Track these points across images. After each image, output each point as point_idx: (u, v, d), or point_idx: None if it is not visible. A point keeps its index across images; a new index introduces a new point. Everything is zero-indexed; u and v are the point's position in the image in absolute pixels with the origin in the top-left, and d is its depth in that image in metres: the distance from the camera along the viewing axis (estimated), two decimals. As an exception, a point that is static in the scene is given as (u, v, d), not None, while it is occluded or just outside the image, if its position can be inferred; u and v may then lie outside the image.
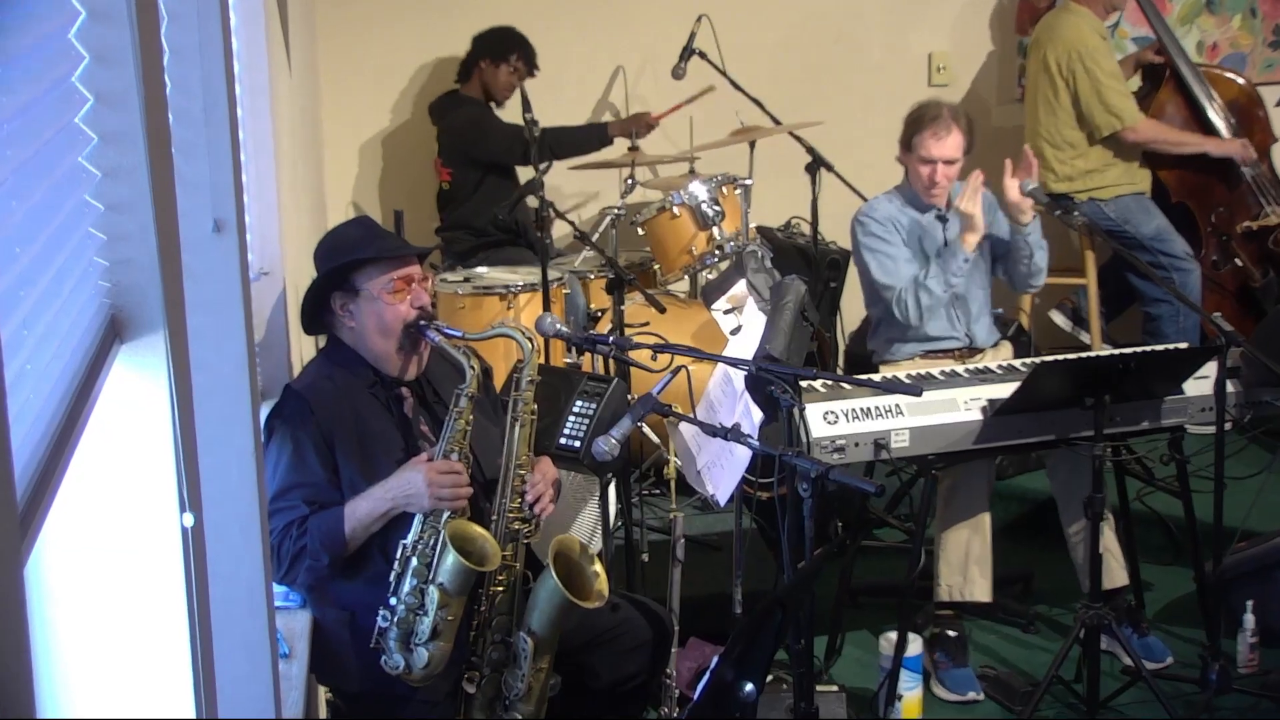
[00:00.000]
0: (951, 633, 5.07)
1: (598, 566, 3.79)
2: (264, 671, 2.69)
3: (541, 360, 4.77)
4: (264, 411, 3.78)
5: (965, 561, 5.04)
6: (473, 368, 3.84)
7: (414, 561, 3.66)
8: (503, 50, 7.54)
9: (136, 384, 2.01)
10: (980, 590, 5.05)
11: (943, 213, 5.69)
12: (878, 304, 5.78)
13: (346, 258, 3.89)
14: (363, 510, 3.73)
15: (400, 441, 3.90)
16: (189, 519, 2.06)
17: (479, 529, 3.74)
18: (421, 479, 3.70)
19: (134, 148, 1.92)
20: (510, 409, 3.90)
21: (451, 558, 3.60)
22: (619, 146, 7.48)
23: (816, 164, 6.71)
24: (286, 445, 3.79)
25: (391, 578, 3.68)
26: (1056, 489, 5.17)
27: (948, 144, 5.57)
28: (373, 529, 3.75)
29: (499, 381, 4.30)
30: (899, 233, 5.66)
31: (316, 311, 3.98)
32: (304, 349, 5.09)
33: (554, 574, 3.64)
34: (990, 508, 5.09)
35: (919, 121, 5.62)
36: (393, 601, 3.66)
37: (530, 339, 3.94)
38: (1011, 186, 5.47)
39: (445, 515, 3.70)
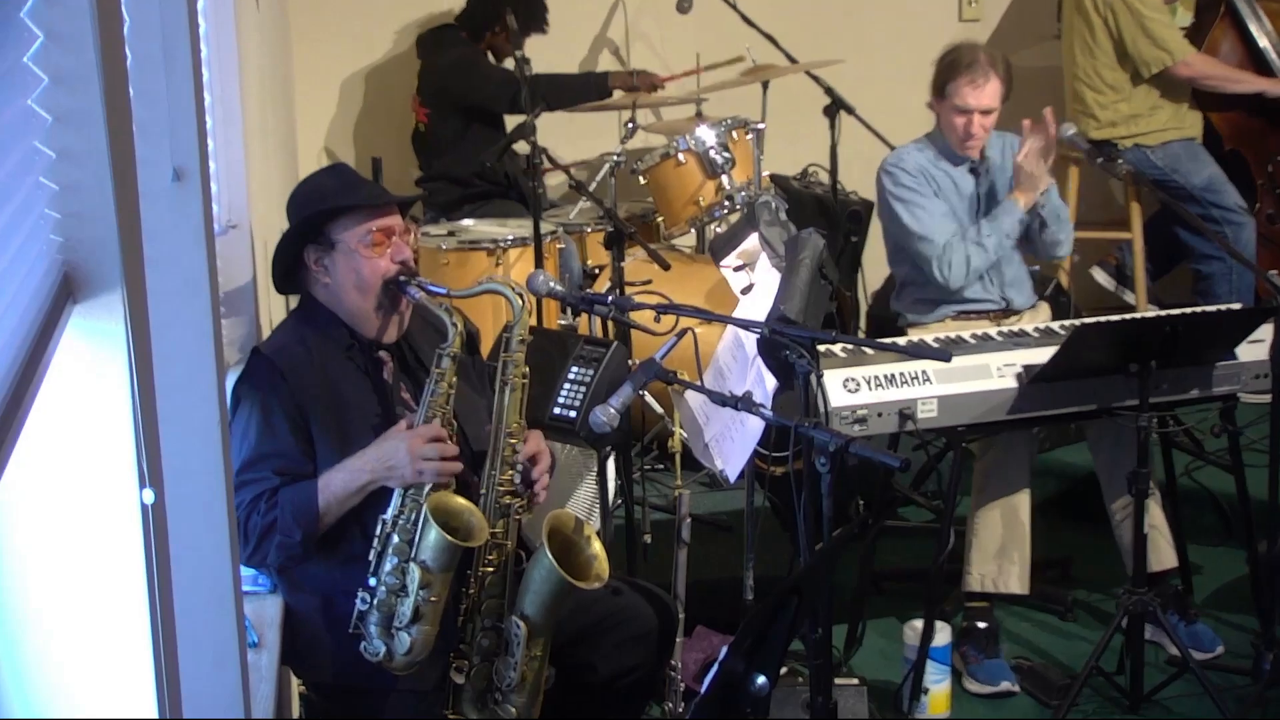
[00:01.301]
0: (982, 624, 5.07)
1: (596, 545, 3.78)
2: (231, 663, 2.70)
3: (534, 322, 4.76)
4: (231, 379, 3.79)
5: (999, 548, 5.04)
6: (455, 325, 3.82)
7: (395, 538, 3.65)
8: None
9: (91, 348, 2.01)
10: (1015, 580, 5.05)
11: (976, 164, 5.68)
12: (903, 261, 5.77)
13: (320, 207, 3.89)
14: (338, 483, 3.72)
15: (379, 409, 3.89)
16: (149, 496, 2.07)
17: (464, 501, 3.73)
18: (404, 448, 3.68)
19: (87, 90, 1.91)
20: (499, 371, 3.88)
21: (434, 533, 3.59)
22: (618, 87, 7.48)
23: (836, 106, 6.70)
24: (255, 413, 3.78)
25: (371, 556, 3.67)
26: (1099, 464, 5.17)
27: (985, 92, 5.56)
28: (349, 504, 3.73)
29: (487, 348, 4.29)
30: (931, 185, 5.65)
31: (289, 268, 3.97)
32: (274, 310, 5.09)
33: (548, 552, 3.63)
34: (1030, 485, 5.09)
35: (954, 68, 5.60)
36: (372, 582, 3.65)
37: (521, 295, 3.93)
38: (1022, 149, 5.46)
39: (427, 488, 3.70)
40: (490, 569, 3.79)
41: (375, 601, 3.64)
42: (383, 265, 3.87)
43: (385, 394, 3.93)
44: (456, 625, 3.76)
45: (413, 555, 3.63)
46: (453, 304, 3.91)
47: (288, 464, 3.76)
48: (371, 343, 3.94)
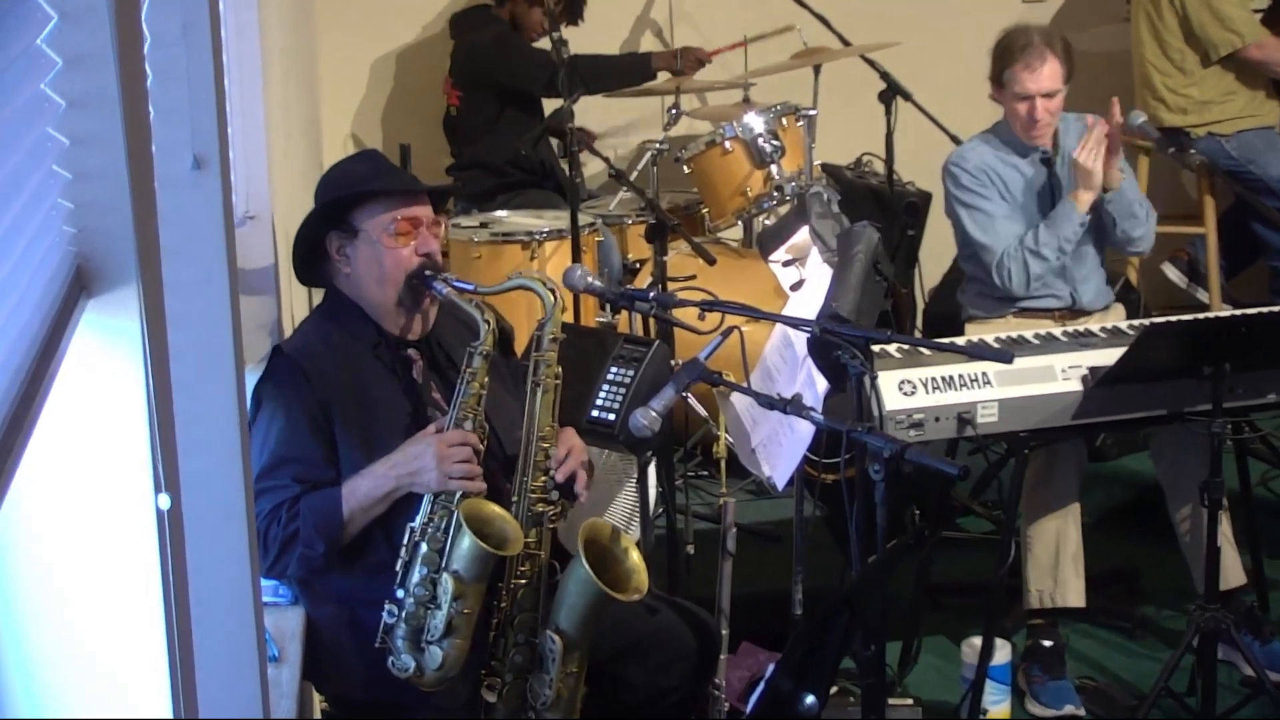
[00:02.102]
0: (1046, 643, 5.05)
1: (635, 556, 3.77)
2: (251, 676, 2.70)
3: (570, 319, 4.75)
4: (251, 378, 3.80)
5: (1055, 561, 5.02)
6: (487, 322, 3.83)
7: (424, 548, 3.66)
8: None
9: (105, 345, 2.01)
10: (1074, 593, 5.03)
11: (1048, 153, 5.65)
12: (972, 257, 5.75)
13: (346, 191, 3.90)
14: (363, 490, 3.72)
15: (408, 410, 3.89)
16: (165, 501, 2.07)
17: (497, 508, 3.73)
18: (431, 453, 3.68)
19: (103, 73, 1.92)
20: (531, 372, 3.88)
21: (467, 541, 3.60)
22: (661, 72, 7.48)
23: (892, 91, 6.69)
24: (277, 416, 3.78)
25: (398, 567, 3.68)
26: (1161, 472, 5.16)
27: (1043, 75, 5.53)
28: (374, 512, 3.73)
29: (520, 346, 4.29)
30: (995, 185, 5.63)
31: (310, 256, 3.98)
32: (295, 305, 5.10)
33: (584, 562, 3.63)
34: (1080, 495, 5.08)
35: (1007, 53, 5.58)
36: (400, 594, 3.66)
37: (553, 290, 3.93)
38: (1081, 149, 5.43)
39: (458, 495, 3.70)
40: (523, 581, 3.79)
41: (403, 614, 3.64)
42: (405, 257, 3.87)
43: (414, 394, 3.92)
44: (488, 640, 3.76)
45: (444, 565, 3.63)
46: (484, 300, 3.91)
47: (309, 470, 3.76)
48: (399, 340, 3.95)
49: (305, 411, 3.78)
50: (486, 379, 3.82)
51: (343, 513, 3.70)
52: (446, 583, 3.61)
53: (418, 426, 3.83)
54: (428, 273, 3.87)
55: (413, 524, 3.70)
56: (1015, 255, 5.51)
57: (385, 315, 3.92)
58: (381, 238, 3.85)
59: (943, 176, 5.73)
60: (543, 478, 3.84)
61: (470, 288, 3.89)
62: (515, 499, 3.82)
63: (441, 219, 4.06)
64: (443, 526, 3.68)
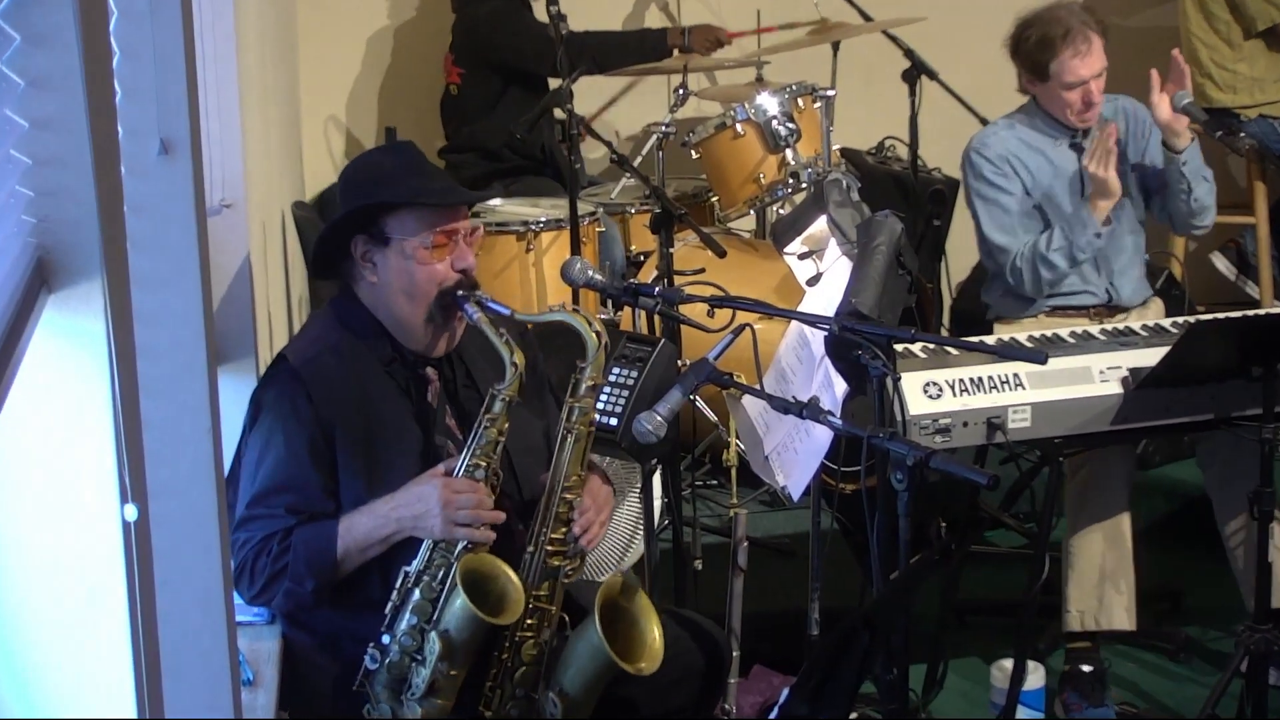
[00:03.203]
0: (1086, 668, 5.04)
1: (656, 629, 3.75)
2: (223, 703, 2.71)
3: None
4: (224, 379, 3.79)
5: (1100, 580, 5.02)
6: (515, 365, 3.75)
7: (416, 595, 3.64)
8: None
9: (67, 343, 2.01)
10: (1120, 615, 5.03)
11: (1077, 138, 5.65)
12: (990, 255, 5.76)
13: (379, 197, 3.83)
14: (361, 529, 3.69)
15: (419, 437, 3.86)
16: (131, 512, 2.08)
17: (502, 566, 3.68)
18: (436, 496, 3.65)
19: (65, 50, 1.92)
20: (564, 417, 3.82)
21: (460, 602, 3.57)
22: (668, 49, 7.49)
23: (916, 70, 6.70)
24: (274, 436, 3.75)
25: (388, 609, 3.66)
26: (1210, 481, 5.16)
27: (1094, 59, 5.52)
28: (371, 553, 3.71)
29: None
30: (1019, 175, 5.63)
31: (332, 255, 3.95)
32: (272, 300, 5.10)
33: (598, 626, 3.62)
34: (1131, 508, 5.08)
35: (1048, 45, 5.53)
36: (385, 639, 3.64)
37: (598, 333, 3.86)
38: (1161, 104, 5.43)
39: (460, 544, 3.67)
40: (529, 634, 3.76)
41: (386, 661, 3.62)
42: (441, 272, 3.80)
43: (427, 419, 3.89)
44: (483, 690, 3.74)
45: (434, 620, 3.61)
46: (516, 332, 3.86)
47: (305, 500, 3.74)
48: (417, 357, 3.91)
49: (306, 434, 3.74)
50: (506, 425, 3.76)
51: (337, 551, 3.68)
52: (434, 641, 3.59)
53: (426, 455, 3.81)
54: (461, 292, 3.81)
55: (408, 568, 3.68)
56: (1027, 259, 5.53)
57: (409, 331, 3.87)
58: (416, 252, 3.79)
59: (962, 164, 5.73)
60: (563, 529, 3.80)
61: (507, 312, 3.80)
62: (530, 550, 3.78)
63: (479, 227, 4.00)
64: (439, 576, 3.65)
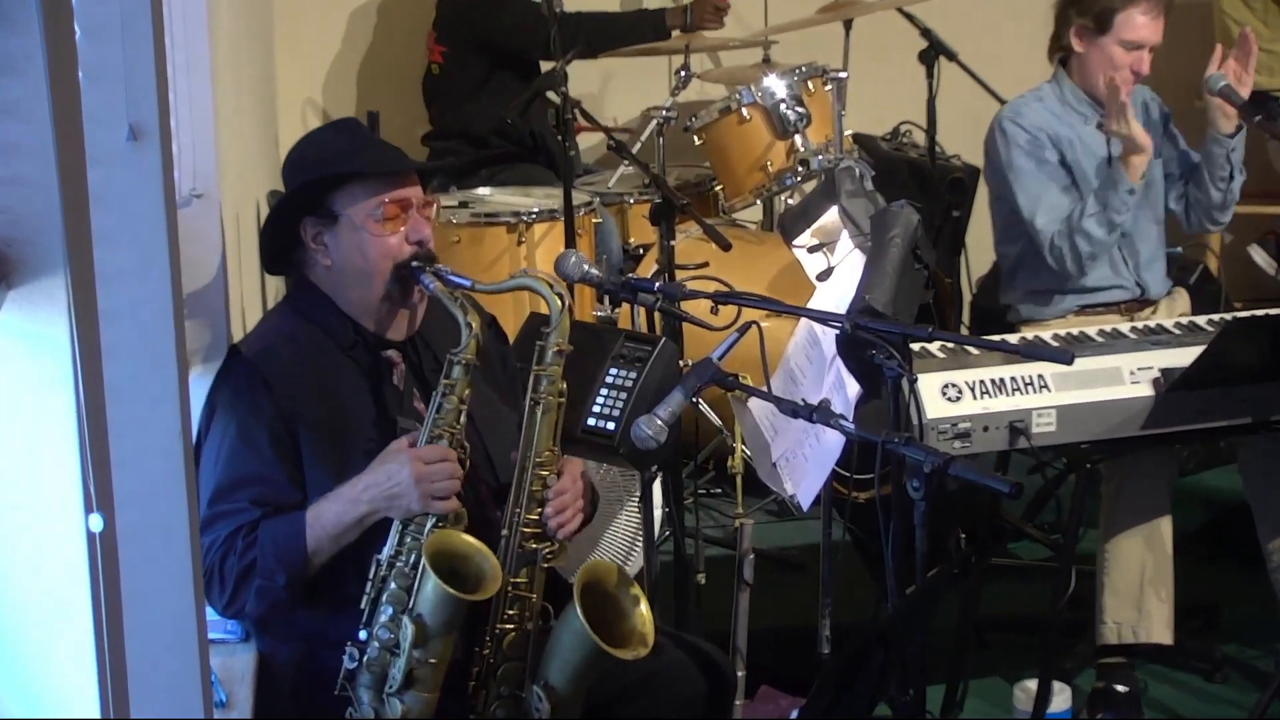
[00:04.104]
0: (1121, 687, 5.04)
1: (643, 606, 3.75)
2: (195, 725, 2.72)
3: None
4: (196, 381, 3.80)
5: (1139, 590, 5.01)
6: (470, 325, 3.78)
7: (392, 584, 3.64)
8: None
9: (28, 344, 2.02)
10: (1159, 627, 5.03)
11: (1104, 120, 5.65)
12: (1015, 239, 5.75)
13: (323, 171, 3.87)
14: (331, 515, 3.68)
15: (386, 424, 3.86)
16: (97, 522, 2.08)
17: (474, 542, 3.69)
18: (408, 473, 3.65)
19: (26, 32, 1.92)
20: (531, 387, 3.85)
21: (432, 583, 3.56)
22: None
23: (934, 51, 6.70)
24: (231, 429, 3.76)
25: (364, 604, 3.66)
26: (1250, 490, 5.16)
27: (1159, 26, 5.53)
28: (345, 540, 3.70)
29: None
30: (1056, 150, 5.63)
31: (282, 244, 3.95)
32: (247, 296, 5.11)
33: (580, 611, 3.62)
34: (1170, 511, 5.07)
35: None
36: (363, 635, 3.63)
37: (561, 296, 3.89)
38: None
39: (431, 522, 3.68)
40: (510, 626, 3.76)
41: (365, 659, 3.61)
42: (394, 246, 3.83)
43: (394, 404, 3.90)
44: (467, 692, 3.75)
45: (410, 606, 3.62)
46: (471, 297, 3.88)
47: (269, 492, 3.73)
48: (378, 339, 3.93)
49: (265, 424, 3.75)
50: (468, 392, 3.77)
51: (306, 541, 3.67)
52: (407, 627, 3.58)
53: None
54: (416, 263, 3.83)
55: (379, 556, 3.67)
56: (1064, 234, 5.52)
57: (368, 312, 3.89)
58: (366, 224, 3.82)
59: (991, 135, 5.72)
60: (538, 510, 3.81)
61: (466, 284, 3.83)
62: (505, 533, 3.79)
63: (434, 199, 4.03)
64: (411, 561, 3.65)
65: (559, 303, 3.87)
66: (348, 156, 3.91)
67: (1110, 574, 5.04)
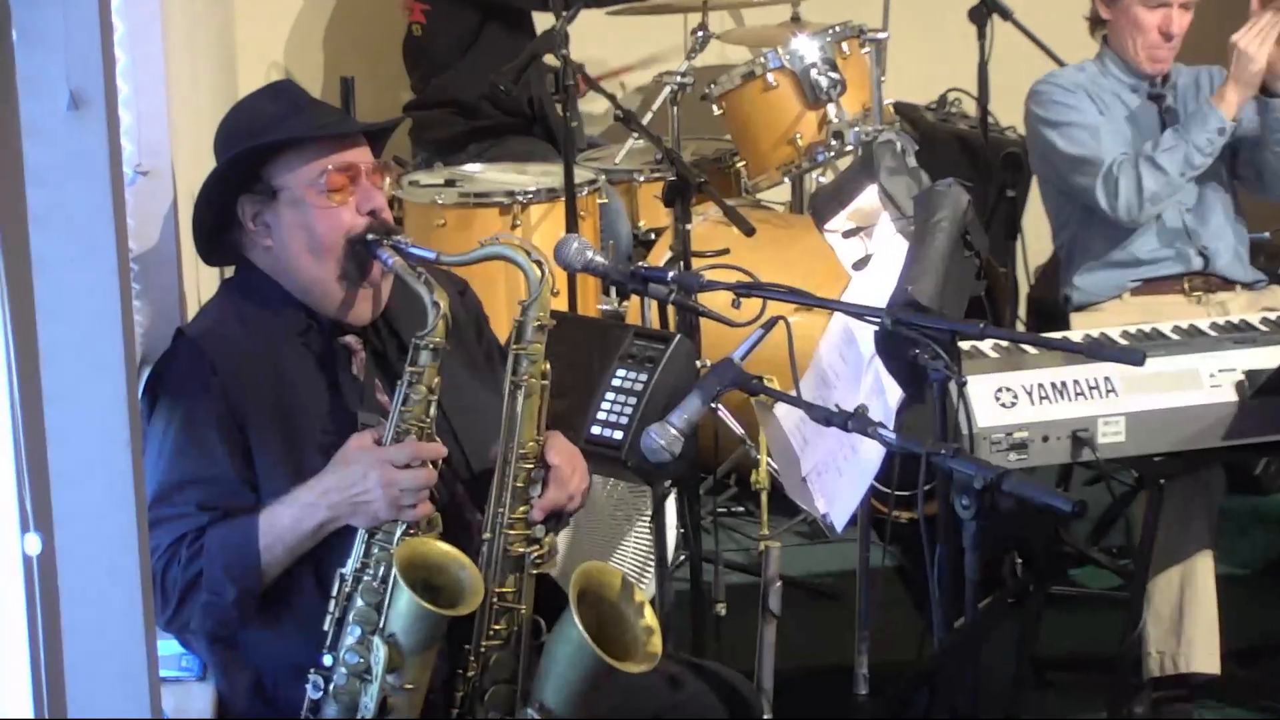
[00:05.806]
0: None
1: (648, 615, 3.76)
2: (144, 774, 2.72)
3: (562, 306, 4.73)
4: (144, 373, 3.80)
5: (1179, 616, 5.01)
6: (437, 304, 3.73)
7: (358, 601, 3.62)
8: None
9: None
10: (1202, 655, 5.02)
11: (1159, 87, 5.66)
12: (1068, 223, 5.77)
13: (255, 141, 3.86)
14: (286, 521, 3.65)
15: (345, 419, 3.83)
16: (34, 543, 2.08)
17: (450, 550, 3.67)
18: (376, 477, 3.62)
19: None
20: (511, 368, 3.82)
21: (405, 598, 3.54)
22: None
23: (986, 8, 6.70)
24: (175, 422, 3.73)
25: (328, 625, 3.64)
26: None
27: (1183, -22, 5.57)
28: (301, 549, 3.68)
29: (500, 337, 4.28)
30: (1095, 102, 5.65)
31: (217, 228, 3.94)
32: (203, 284, 5.12)
33: (577, 620, 3.62)
34: (1214, 532, 5.08)
35: None
36: (328, 661, 3.62)
37: (539, 262, 3.85)
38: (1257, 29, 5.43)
39: (400, 530, 3.66)
40: (497, 642, 3.75)
41: (332, 687, 3.61)
42: (345, 219, 3.80)
43: (354, 397, 3.87)
44: (449, 716, 3.75)
45: (380, 626, 3.60)
46: (440, 273, 3.87)
47: (217, 494, 3.71)
48: (336, 324, 3.91)
49: (212, 415, 3.72)
50: (437, 380, 3.73)
51: (258, 550, 3.64)
52: (379, 649, 3.56)
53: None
54: (372, 236, 3.81)
55: (343, 570, 3.65)
56: (1126, 165, 5.52)
57: (323, 296, 3.86)
58: (309, 196, 3.80)
59: (1026, 110, 5.77)
60: (523, 508, 3.78)
61: (431, 256, 3.81)
62: (487, 536, 3.76)
63: (392, 169, 4.01)
64: (379, 574, 3.62)
65: (537, 271, 3.82)
66: (280, 122, 3.88)
67: (1153, 602, 5.02)
